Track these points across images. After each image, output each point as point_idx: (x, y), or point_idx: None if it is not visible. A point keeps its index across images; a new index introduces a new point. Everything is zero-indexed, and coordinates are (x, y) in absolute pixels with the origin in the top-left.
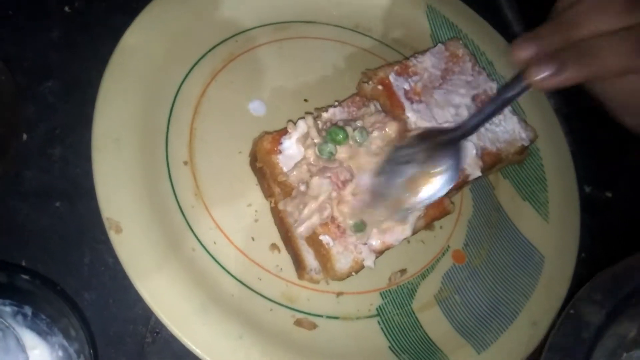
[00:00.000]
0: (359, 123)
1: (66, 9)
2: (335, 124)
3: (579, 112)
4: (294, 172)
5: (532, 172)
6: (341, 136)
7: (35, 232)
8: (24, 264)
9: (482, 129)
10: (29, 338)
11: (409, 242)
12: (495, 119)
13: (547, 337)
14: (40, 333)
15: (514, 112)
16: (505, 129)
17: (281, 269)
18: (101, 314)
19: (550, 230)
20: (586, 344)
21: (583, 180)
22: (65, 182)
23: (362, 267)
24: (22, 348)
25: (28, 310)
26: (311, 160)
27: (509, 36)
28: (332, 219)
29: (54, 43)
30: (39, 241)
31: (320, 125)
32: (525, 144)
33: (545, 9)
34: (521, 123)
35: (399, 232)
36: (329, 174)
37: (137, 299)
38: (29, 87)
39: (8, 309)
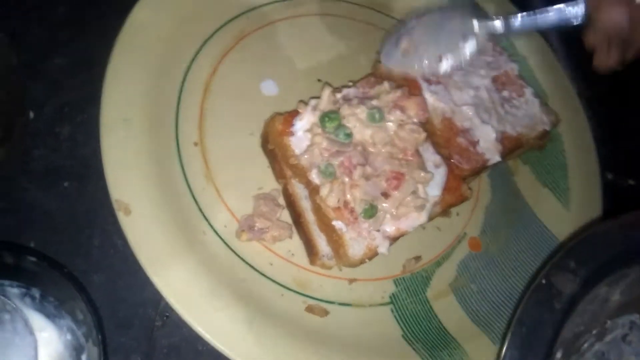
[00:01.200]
0: (374, 102)
1: None
2: (328, 111)
3: (603, 95)
4: (306, 156)
5: (553, 158)
6: (332, 122)
7: (44, 213)
8: (32, 245)
9: (502, 112)
10: (37, 320)
11: (424, 228)
12: (516, 101)
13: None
14: (48, 315)
15: (536, 95)
16: (527, 112)
17: (293, 254)
18: (110, 297)
19: (571, 218)
20: (558, 314)
21: (605, 166)
22: (74, 161)
23: (376, 254)
24: (31, 330)
25: (36, 292)
26: (323, 145)
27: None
28: (345, 203)
29: (61, 18)
30: (48, 222)
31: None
32: (547, 128)
33: None
34: (543, 107)
35: (414, 218)
36: (341, 158)
37: (147, 282)
38: (36, 64)
39: (16, 290)
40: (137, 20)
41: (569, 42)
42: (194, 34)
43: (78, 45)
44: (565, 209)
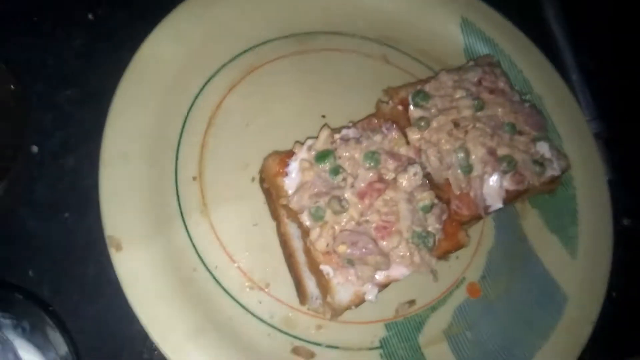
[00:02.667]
0: (373, 147)
1: (89, 16)
2: (322, 150)
3: (622, 137)
4: (295, 198)
5: (563, 203)
6: (326, 161)
7: (44, 243)
8: (30, 274)
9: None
10: (27, 351)
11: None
12: (523, 145)
13: None
14: (38, 346)
15: (547, 138)
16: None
17: (283, 293)
18: (101, 329)
19: (577, 268)
20: None
21: (622, 212)
22: (75, 193)
23: (363, 300)
24: None
25: (26, 324)
26: (315, 184)
27: (551, 52)
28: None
29: (76, 51)
30: (47, 252)
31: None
32: (556, 173)
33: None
34: (553, 151)
35: (405, 266)
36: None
37: (137, 317)
38: (48, 95)
39: (8, 321)
40: (144, 56)
41: (589, 80)
42: (202, 68)
43: (89, 78)
44: (571, 258)
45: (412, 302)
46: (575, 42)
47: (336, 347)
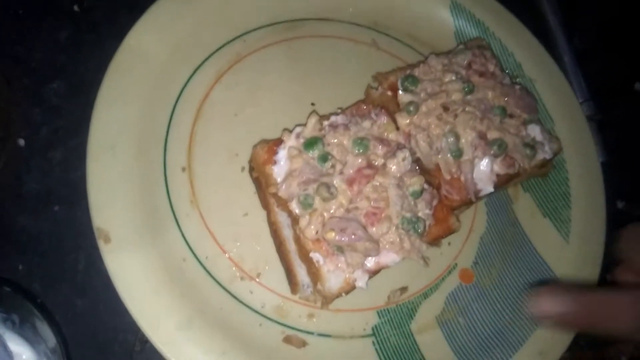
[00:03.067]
0: (361, 133)
1: (75, 7)
2: (310, 137)
3: (615, 119)
4: (284, 186)
5: (556, 187)
6: (314, 148)
7: (34, 236)
8: (20, 267)
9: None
10: (17, 344)
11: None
12: (513, 129)
13: None
14: (28, 339)
15: (538, 121)
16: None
17: (274, 282)
18: (92, 321)
19: (570, 252)
20: None
21: (616, 194)
22: (64, 185)
23: (354, 287)
24: (10, 354)
25: (16, 318)
26: (304, 171)
27: (543, 34)
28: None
29: (62, 43)
30: (37, 245)
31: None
32: (548, 157)
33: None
34: (544, 134)
35: (395, 253)
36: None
37: (127, 309)
38: (35, 89)
39: None
40: (129, 47)
41: (581, 62)
42: (189, 58)
43: (76, 70)
44: (565, 242)
45: (404, 289)
46: (567, 24)
47: (328, 336)
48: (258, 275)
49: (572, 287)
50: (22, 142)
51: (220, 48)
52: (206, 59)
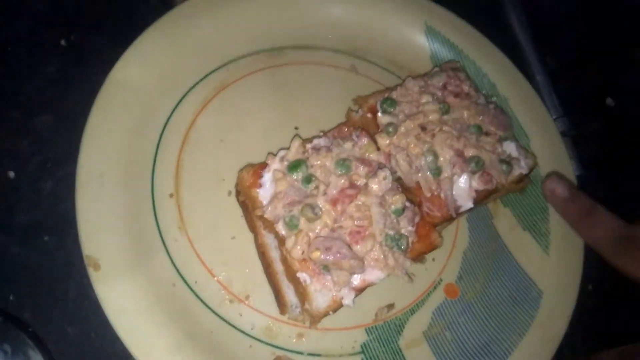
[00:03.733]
0: (343, 154)
1: (62, 42)
2: (294, 160)
3: (588, 134)
4: (269, 208)
5: (534, 201)
6: (298, 171)
7: (24, 267)
8: (11, 298)
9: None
10: None
11: (396, 275)
12: (489, 146)
13: None
14: None
15: (513, 137)
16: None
17: (263, 304)
18: (83, 349)
19: (550, 264)
20: None
21: None
22: (54, 216)
23: (341, 305)
24: None
25: (7, 347)
26: (289, 193)
27: (515, 55)
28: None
29: (50, 77)
30: (28, 275)
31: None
32: (524, 172)
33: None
34: (520, 150)
35: (379, 270)
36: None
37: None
38: (24, 121)
39: None
40: (115, 79)
41: (552, 80)
42: (174, 88)
43: (64, 102)
44: (545, 254)
45: (391, 306)
46: (538, 44)
47: (318, 355)
48: (247, 297)
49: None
50: (12, 174)
51: (204, 77)
52: (191, 88)
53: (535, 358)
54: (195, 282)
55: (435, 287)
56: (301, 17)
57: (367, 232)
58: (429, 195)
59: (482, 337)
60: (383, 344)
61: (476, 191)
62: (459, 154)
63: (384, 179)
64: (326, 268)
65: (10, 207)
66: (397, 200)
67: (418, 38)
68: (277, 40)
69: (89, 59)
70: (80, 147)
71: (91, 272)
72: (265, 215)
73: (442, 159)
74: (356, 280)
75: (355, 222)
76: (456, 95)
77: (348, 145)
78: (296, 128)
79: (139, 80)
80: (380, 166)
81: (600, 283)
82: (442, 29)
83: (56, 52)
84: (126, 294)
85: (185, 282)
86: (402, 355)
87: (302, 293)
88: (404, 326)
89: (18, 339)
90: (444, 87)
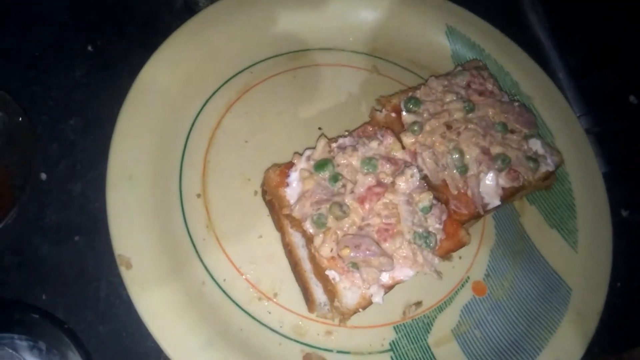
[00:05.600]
0: (369, 153)
1: (89, 47)
2: (321, 159)
3: (612, 131)
4: (297, 207)
5: (560, 198)
6: (325, 170)
7: (56, 266)
8: (44, 297)
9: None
10: None
11: (425, 273)
12: (515, 143)
13: None
14: None
15: (539, 135)
16: (528, 153)
17: (291, 302)
18: (115, 347)
19: (579, 261)
20: None
21: (619, 203)
22: (84, 217)
23: (370, 303)
24: None
25: (42, 345)
26: (316, 192)
27: (537, 53)
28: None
29: (77, 82)
30: (59, 275)
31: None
32: (551, 169)
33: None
34: (546, 147)
35: (408, 267)
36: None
37: (150, 333)
38: (53, 125)
39: (24, 343)
40: (143, 82)
41: (575, 78)
42: (199, 90)
43: (91, 106)
44: (573, 251)
45: (419, 304)
46: (560, 43)
47: (347, 352)
48: (275, 295)
49: None
50: (44, 176)
51: (229, 80)
52: (216, 90)
53: (566, 356)
54: (224, 280)
55: (462, 285)
56: (324, 20)
57: (395, 230)
58: (455, 193)
59: (511, 335)
60: (412, 341)
61: (503, 188)
62: (485, 151)
63: (411, 176)
64: (355, 266)
65: (42, 208)
66: (425, 198)
67: (439, 38)
68: (298, 43)
69: (115, 63)
70: (110, 149)
71: (123, 271)
72: (293, 214)
73: (468, 156)
74: (385, 277)
75: (383, 220)
76: (480, 93)
77: (374, 144)
78: (320, 128)
79: (166, 83)
80: (407, 164)
81: (628, 280)
82: (463, 29)
83: (83, 57)
84: (157, 293)
85: (214, 280)
86: (431, 353)
87: (331, 291)
88: (432, 324)
89: (54, 336)
90: (468, 85)
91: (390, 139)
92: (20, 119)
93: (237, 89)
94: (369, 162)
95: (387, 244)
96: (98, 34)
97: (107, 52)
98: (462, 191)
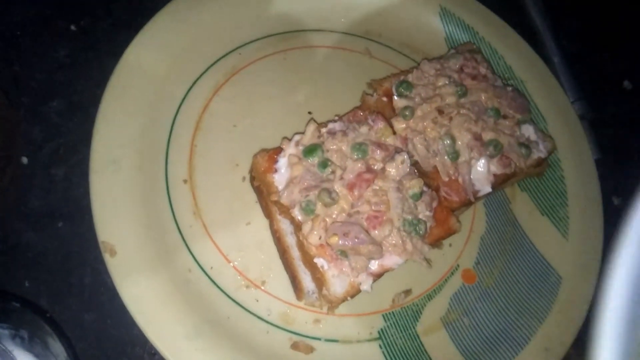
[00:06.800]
0: (359, 138)
1: (72, 27)
2: (310, 145)
3: (606, 117)
4: (285, 193)
5: (552, 185)
6: (314, 155)
7: (39, 253)
8: (27, 284)
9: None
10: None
11: (414, 260)
12: (508, 129)
13: None
14: (37, 355)
15: (532, 121)
16: (520, 139)
17: (280, 290)
18: (100, 335)
19: (570, 249)
20: None
21: (611, 191)
22: (67, 202)
23: (359, 291)
24: None
25: (24, 333)
26: (305, 178)
27: (532, 37)
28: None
29: (60, 63)
30: (42, 261)
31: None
32: (543, 156)
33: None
34: (538, 133)
35: (398, 255)
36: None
37: (135, 321)
38: (35, 108)
39: (6, 332)
40: (128, 63)
41: (570, 63)
42: (186, 73)
43: (75, 88)
44: (564, 239)
45: (408, 292)
46: (555, 27)
47: (335, 341)
48: (263, 283)
49: None
50: (25, 160)
51: (217, 61)
52: (203, 73)
53: (555, 344)
54: (211, 268)
55: (452, 273)
56: (316, 0)
57: (384, 217)
58: (446, 179)
59: (500, 323)
60: (400, 329)
61: (494, 175)
62: (477, 137)
63: (402, 163)
64: (344, 253)
65: (24, 194)
66: (415, 185)
67: (432, 20)
68: (289, 24)
69: (99, 44)
70: (93, 133)
71: (107, 258)
72: (281, 201)
73: (459, 142)
74: (374, 265)
75: (373, 207)
76: (473, 77)
77: (364, 129)
78: (310, 113)
79: (151, 64)
80: (397, 150)
81: None
82: (456, 10)
83: (66, 37)
84: (142, 280)
85: (201, 267)
86: (420, 341)
87: (319, 279)
88: (421, 312)
89: (36, 325)
90: (461, 69)
91: (381, 124)
92: (0, 100)
93: (225, 71)
94: (359, 147)
95: (376, 232)
96: (82, 13)
97: (91, 31)
98: (453, 178)
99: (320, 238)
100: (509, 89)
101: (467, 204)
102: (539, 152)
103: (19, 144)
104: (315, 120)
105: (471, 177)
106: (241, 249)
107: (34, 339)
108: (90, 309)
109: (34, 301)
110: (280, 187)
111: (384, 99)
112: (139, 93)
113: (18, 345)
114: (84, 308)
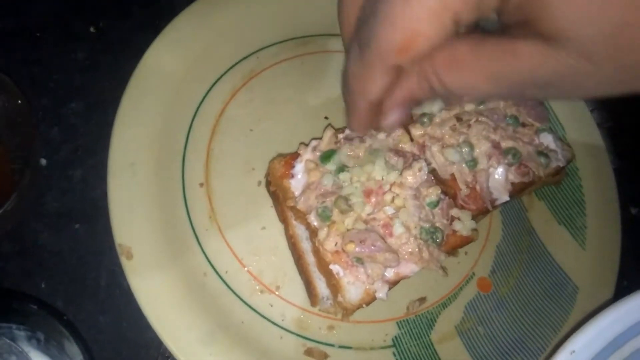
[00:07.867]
0: (376, 145)
1: (91, 29)
2: (327, 151)
3: (625, 126)
4: (302, 199)
5: (569, 194)
6: (330, 161)
7: (55, 254)
8: (43, 286)
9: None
10: None
11: (430, 269)
12: (527, 137)
13: None
14: (53, 357)
15: (551, 130)
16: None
17: (294, 295)
18: (115, 338)
19: (587, 259)
20: None
21: (629, 200)
22: (85, 204)
23: (374, 299)
24: None
25: (41, 335)
26: (321, 184)
27: None
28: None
29: (79, 64)
30: (59, 263)
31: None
32: (561, 164)
33: None
34: (557, 142)
35: (414, 263)
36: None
37: (150, 324)
38: (53, 109)
39: (22, 333)
40: (147, 66)
41: None
42: (204, 76)
43: (93, 90)
44: (581, 249)
45: (422, 300)
46: None
47: (349, 347)
48: (277, 288)
49: None
50: (43, 161)
51: (234, 65)
52: (221, 76)
53: None
54: (226, 272)
55: (467, 281)
56: (332, 5)
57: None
58: (464, 188)
59: (516, 333)
60: (415, 337)
61: (512, 184)
62: (496, 145)
63: (420, 170)
64: (360, 260)
65: (42, 195)
66: (432, 193)
67: None
68: (306, 28)
69: (118, 46)
70: (112, 136)
71: (123, 260)
72: (298, 206)
73: (478, 150)
74: (390, 273)
75: (389, 214)
76: None
77: (381, 135)
78: (326, 117)
79: (170, 66)
80: (415, 157)
81: (636, 279)
82: None
83: (85, 39)
84: (158, 283)
85: (216, 272)
86: (434, 349)
87: (334, 285)
88: (435, 320)
89: (52, 327)
90: None
91: (398, 131)
92: (20, 102)
93: (242, 75)
94: (376, 154)
95: (392, 239)
96: (101, 15)
97: (110, 33)
98: (471, 186)
99: (336, 244)
100: None
101: (484, 212)
102: (558, 160)
103: (37, 146)
104: (332, 126)
105: (489, 185)
106: (256, 253)
107: (50, 340)
108: (105, 311)
109: (50, 303)
110: (296, 193)
111: None
112: (158, 96)
113: (34, 347)
114: (99, 310)
